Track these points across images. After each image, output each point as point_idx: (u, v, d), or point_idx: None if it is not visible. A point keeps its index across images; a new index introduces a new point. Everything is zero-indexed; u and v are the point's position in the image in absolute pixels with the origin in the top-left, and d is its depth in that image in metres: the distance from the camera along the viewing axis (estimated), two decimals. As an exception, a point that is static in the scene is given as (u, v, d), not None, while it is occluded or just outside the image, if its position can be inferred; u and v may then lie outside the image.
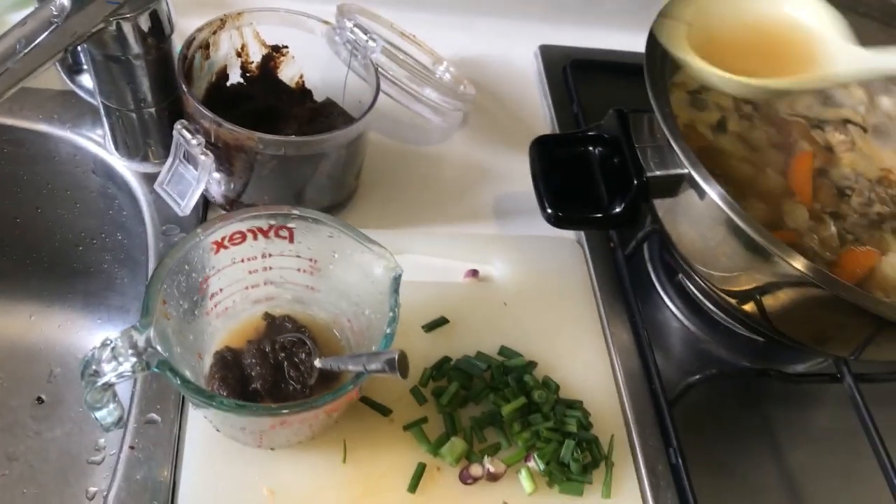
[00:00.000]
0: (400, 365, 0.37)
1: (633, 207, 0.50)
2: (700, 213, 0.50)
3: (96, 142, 0.61)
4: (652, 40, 0.53)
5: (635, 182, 0.48)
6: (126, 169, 0.60)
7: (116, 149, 0.60)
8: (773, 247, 0.45)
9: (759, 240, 0.45)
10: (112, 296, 0.73)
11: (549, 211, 0.50)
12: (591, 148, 0.53)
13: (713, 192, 0.46)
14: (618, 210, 0.50)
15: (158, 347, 0.39)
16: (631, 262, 0.62)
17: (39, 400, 0.71)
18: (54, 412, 0.71)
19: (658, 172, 0.49)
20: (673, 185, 0.50)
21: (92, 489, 0.67)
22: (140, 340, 0.39)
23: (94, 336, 0.75)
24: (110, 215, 0.66)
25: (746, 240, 0.47)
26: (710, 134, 0.57)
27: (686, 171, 0.48)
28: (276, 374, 0.47)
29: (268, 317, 0.49)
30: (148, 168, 0.60)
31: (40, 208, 0.68)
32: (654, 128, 0.51)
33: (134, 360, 0.38)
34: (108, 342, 0.38)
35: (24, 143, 0.62)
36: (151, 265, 0.56)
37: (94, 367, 0.38)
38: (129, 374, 0.38)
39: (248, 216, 0.45)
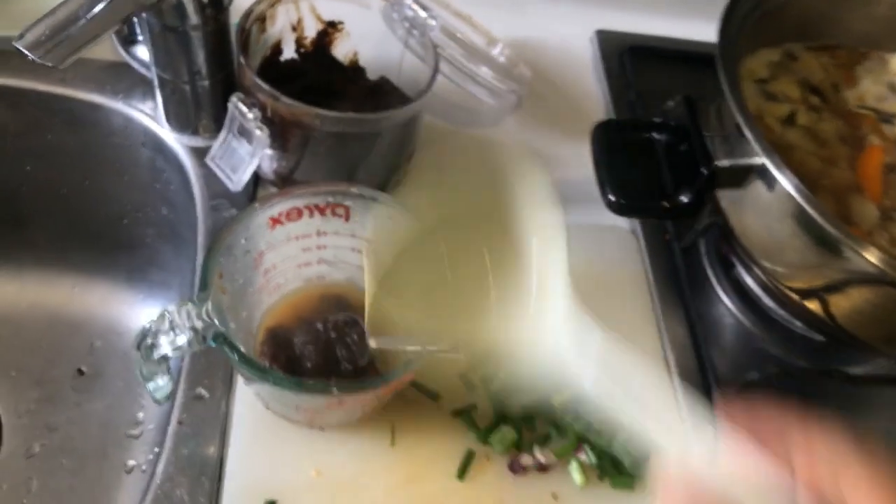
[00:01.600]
0: None
1: (700, 197, 0.48)
2: (769, 204, 0.48)
3: (147, 114, 0.61)
4: (725, 24, 0.51)
5: (704, 171, 0.47)
6: (176, 142, 0.60)
7: (168, 121, 0.59)
8: (848, 239, 0.44)
9: (834, 231, 0.43)
10: (154, 271, 0.73)
11: (612, 198, 0.49)
12: (655, 135, 0.51)
13: (787, 182, 0.44)
14: (684, 199, 0.48)
15: (215, 321, 0.38)
16: (686, 254, 0.60)
17: (80, 372, 0.71)
18: (95, 384, 0.71)
19: (727, 162, 0.47)
20: (741, 176, 0.48)
21: (130, 462, 0.67)
22: (197, 313, 0.38)
23: (135, 310, 0.74)
24: (157, 189, 0.65)
25: (818, 232, 0.45)
26: (778, 127, 0.55)
27: (758, 160, 0.46)
28: (328, 353, 0.46)
29: (321, 296, 0.48)
30: (198, 142, 0.59)
31: (88, 180, 0.67)
32: (724, 116, 0.49)
33: (191, 333, 0.37)
34: (166, 314, 0.38)
35: (75, 112, 0.62)
36: (200, 239, 0.56)
37: (150, 339, 0.38)
38: (186, 347, 0.37)
39: (306, 192, 0.44)
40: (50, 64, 0.44)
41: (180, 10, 0.50)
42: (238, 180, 0.53)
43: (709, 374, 0.54)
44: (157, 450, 0.66)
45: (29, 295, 0.74)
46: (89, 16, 0.45)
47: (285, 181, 0.56)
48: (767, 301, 0.58)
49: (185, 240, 0.65)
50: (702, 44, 0.76)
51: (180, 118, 0.58)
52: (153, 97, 0.60)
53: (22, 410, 0.68)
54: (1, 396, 0.69)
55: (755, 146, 0.46)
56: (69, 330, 0.73)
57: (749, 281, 0.59)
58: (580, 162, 0.64)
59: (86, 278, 0.74)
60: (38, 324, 0.73)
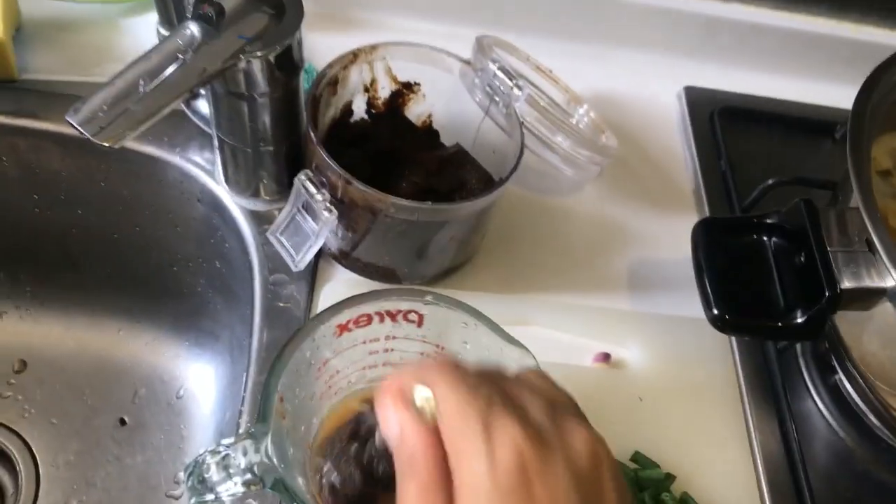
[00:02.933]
0: None
1: (819, 321, 0.42)
2: (897, 331, 0.42)
3: (205, 169, 0.57)
4: (860, 106, 0.44)
5: (827, 294, 0.41)
6: (234, 203, 0.56)
7: (226, 181, 0.55)
8: None
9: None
10: (203, 320, 0.69)
11: (717, 313, 0.43)
12: (766, 237, 0.46)
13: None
14: (799, 321, 0.43)
15: (274, 460, 0.34)
16: (782, 356, 0.54)
17: (122, 422, 0.68)
18: (136, 437, 0.68)
19: (852, 284, 0.41)
20: (869, 298, 0.42)
21: (170, 526, 0.64)
22: (255, 451, 0.34)
23: (181, 359, 0.71)
24: (211, 243, 0.62)
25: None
26: (903, 229, 0.49)
27: (892, 284, 0.40)
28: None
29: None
30: (258, 206, 0.55)
31: (139, 227, 0.64)
32: (848, 224, 0.44)
33: (248, 475, 0.33)
34: (220, 450, 0.34)
35: (130, 162, 0.58)
36: (257, 317, 0.52)
37: (202, 474, 0.34)
38: (241, 492, 0.33)
39: (378, 299, 0.40)
40: (106, 144, 0.40)
41: (249, 78, 0.45)
42: (301, 261, 0.49)
43: (805, 496, 0.49)
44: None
45: (75, 336, 0.71)
46: (150, 88, 0.41)
47: (348, 257, 0.52)
48: (872, 418, 0.52)
49: (238, 295, 0.62)
50: (802, 105, 0.70)
51: (240, 181, 0.54)
52: (212, 151, 0.56)
53: (60, 462, 0.66)
54: (41, 445, 0.66)
55: (891, 268, 0.40)
56: (114, 376, 0.70)
57: (852, 392, 0.53)
58: (666, 240, 0.60)
59: (132, 323, 0.71)
60: (82, 367, 0.70)
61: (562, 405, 0.29)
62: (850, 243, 0.42)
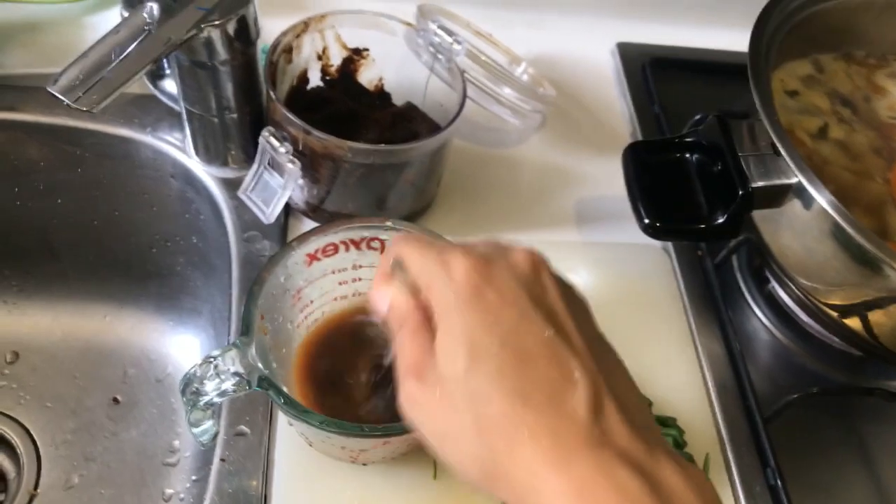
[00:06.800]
0: None
1: (736, 219, 0.47)
2: (806, 223, 0.47)
3: (176, 146, 0.61)
4: (755, 40, 0.50)
5: (741, 193, 0.46)
6: (205, 174, 0.60)
7: (197, 153, 0.59)
8: (888, 257, 0.43)
9: (874, 250, 0.43)
10: (185, 298, 0.73)
11: (647, 221, 0.48)
12: (688, 155, 0.51)
13: (825, 201, 0.44)
14: (720, 221, 0.48)
15: (259, 364, 0.38)
16: (719, 270, 0.60)
17: (115, 400, 0.72)
18: (130, 413, 0.71)
19: (763, 183, 0.47)
20: (778, 196, 0.47)
21: (168, 491, 0.67)
22: (241, 358, 0.38)
23: (166, 338, 0.75)
24: (186, 219, 0.66)
25: (857, 251, 0.45)
26: (809, 141, 0.55)
27: (795, 180, 0.46)
28: (369, 377, 0.46)
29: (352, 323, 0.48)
30: (228, 173, 0.59)
31: (117, 211, 0.68)
32: (757, 134, 0.49)
33: (236, 378, 0.37)
34: (210, 360, 0.38)
35: (104, 146, 0.62)
36: (235, 272, 0.56)
37: (195, 385, 0.38)
38: (232, 392, 0.38)
39: (341, 228, 0.44)
40: (84, 108, 0.44)
41: (209, 47, 0.50)
42: (271, 213, 0.53)
43: (747, 391, 0.54)
44: (194, 478, 0.67)
45: (62, 325, 0.74)
46: (121, 58, 0.45)
47: (316, 210, 0.56)
48: (804, 317, 0.58)
49: (216, 268, 0.65)
50: (725, 52, 0.75)
51: (209, 150, 0.58)
52: (181, 129, 0.60)
53: (59, 441, 0.69)
54: (39, 427, 0.69)
55: (792, 166, 0.45)
56: (102, 359, 0.74)
57: (784, 297, 0.59)
58: (608, 179, 0.65)
59: (117, 307, 0.75)
60: (72, 353, 0.74)
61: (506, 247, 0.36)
62: (759, 149, 0.48)
